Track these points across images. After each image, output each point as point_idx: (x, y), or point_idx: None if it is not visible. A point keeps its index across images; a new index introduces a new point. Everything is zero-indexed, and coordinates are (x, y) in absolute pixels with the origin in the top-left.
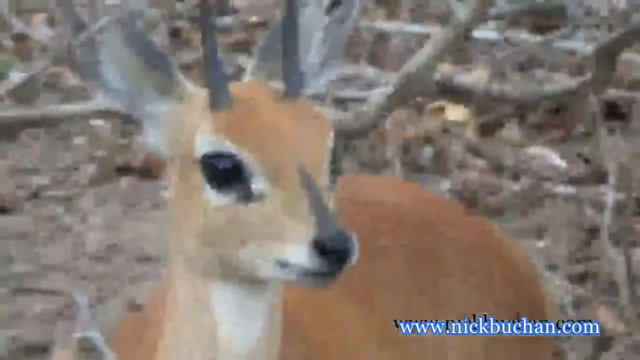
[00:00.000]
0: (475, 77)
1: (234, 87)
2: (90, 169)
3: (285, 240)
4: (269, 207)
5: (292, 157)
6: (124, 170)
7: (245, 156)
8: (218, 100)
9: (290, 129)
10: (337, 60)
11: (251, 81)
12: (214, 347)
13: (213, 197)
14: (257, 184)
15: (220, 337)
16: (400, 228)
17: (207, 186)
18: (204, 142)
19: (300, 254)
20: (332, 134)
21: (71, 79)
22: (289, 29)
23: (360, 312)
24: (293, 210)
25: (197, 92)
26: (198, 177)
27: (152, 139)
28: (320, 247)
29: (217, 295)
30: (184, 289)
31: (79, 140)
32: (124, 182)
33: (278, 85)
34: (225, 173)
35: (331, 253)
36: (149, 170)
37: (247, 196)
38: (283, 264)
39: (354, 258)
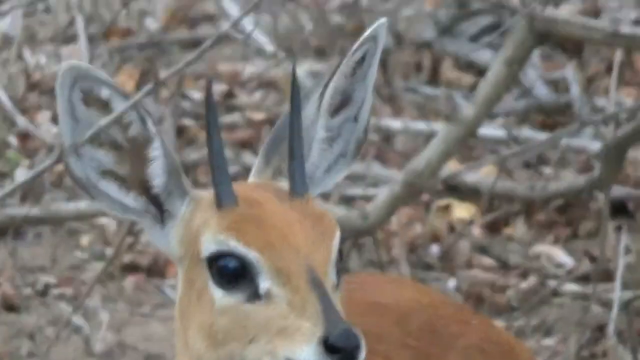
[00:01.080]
0: (482, 174)
1: (239, 187)
2: (97, 267)
3: (293, 338)
4: (277, 306)
5: (299, 257)
6: (130, 268)
7: (252, 256)
8: (224, 199)
9: (296, 229)
10: (348, 160)
11: (256, 181)
12: None
13: (220, 297)
14: (264, 284)
15: None
16: (406, 331)
17: (214, 285)
18: (210, 242)
19: (308, 352)
20: (338, 234)
21: None
22: (294, 128)
23: None
24: (301, 310)
25: (202, 194)
26: (204, 276)
27: (158, 240)
28: (329, 346)
29: None
30: None
31: (85, 238)
32: (131, 280)
33: (284, 184)
34: (231, 272)
35: (339, 351)
36: (156, 269)
37: (254, 295)
38: None
39: (362, 356)
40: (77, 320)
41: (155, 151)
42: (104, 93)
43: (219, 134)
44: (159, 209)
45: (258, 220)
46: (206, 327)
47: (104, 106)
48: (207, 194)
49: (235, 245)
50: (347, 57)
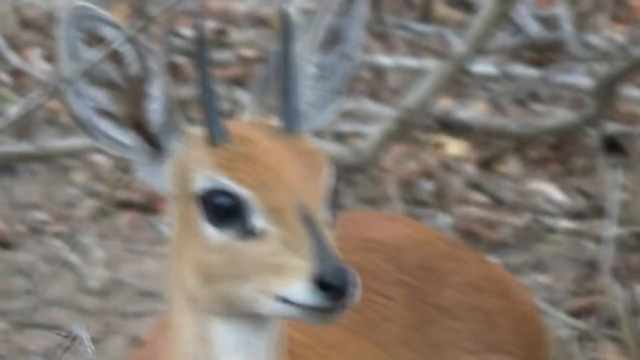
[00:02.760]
0: (474, 111)
1: (232, 125)
2: (91, 204)
3: (285, 276)
4: (269, 244)
5: (291, 194)
6: (125, 205)
7: (245, 193)
8: (216, 136)
9: (288, 166)
10: (340, 97)
11: (249, 118)
12: None
13: (212, 234)
14: (257, 221)
15: None
16: (401, 268)
17: (206, 223)
18: (203, 179)
19: (300, 290)
20: (331, 171)
21: None
22: (286, 65)
23: (361, 351)
24: (293, 247)
25: (195, 132)
26: (197, 214)
27: (153, 178)
28: (321, 283)
29: (219, 331)
30: (186, 326)
31: (79, 176)
32: (125, 217)
33: (276, 122)
34: (224, 210)
35: (332, 288)
36: (150, 206)
37: (247, 233)
38: (284, 300)
39: (356, 293)
40: (71, 257)
41: (155, 90)
42: (107, 33)
43: (210, 72)
44: (155, 147)
45: (250, 157)
46: (200, 264)
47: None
48: (200, 132)
49: (227, 183)
50: None
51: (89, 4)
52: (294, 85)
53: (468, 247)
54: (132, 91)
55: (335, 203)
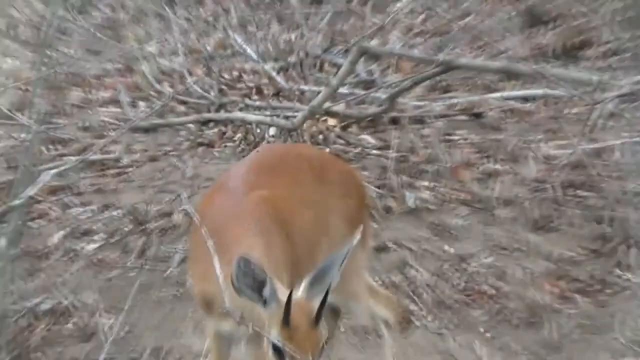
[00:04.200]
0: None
1: (294, 308)
2: None
3: None
4: None
5: (306, 355)
6: None
7: (286, 349)
8: (285, 322)
9: (310, 341)
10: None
11: (302, 303)
12: None
13: (271, 355)
14: None
15: None
16: (310, 164)
17: (271, 352)
18: (275, 336)
19: None
20: (325, 336)
21: None
22: (327, 290)
23: (295, 195)
24: None
25: (277, 310)
26: (268, 346)
27: (258, 314)
28: None
29: None
30: None
31: None
32: None
33: (312, 307)
34: (278, 350)
35: None
36: None
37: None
38: None
39: None
40: None
41: (266, 290)
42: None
43: (289, 295)
44: (264, 302)
45: (293, 338)
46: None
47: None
48: (279, 312)
49: (282, 343)
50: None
51: (250, 260)
52: (329, 289)
53: (337, 156)
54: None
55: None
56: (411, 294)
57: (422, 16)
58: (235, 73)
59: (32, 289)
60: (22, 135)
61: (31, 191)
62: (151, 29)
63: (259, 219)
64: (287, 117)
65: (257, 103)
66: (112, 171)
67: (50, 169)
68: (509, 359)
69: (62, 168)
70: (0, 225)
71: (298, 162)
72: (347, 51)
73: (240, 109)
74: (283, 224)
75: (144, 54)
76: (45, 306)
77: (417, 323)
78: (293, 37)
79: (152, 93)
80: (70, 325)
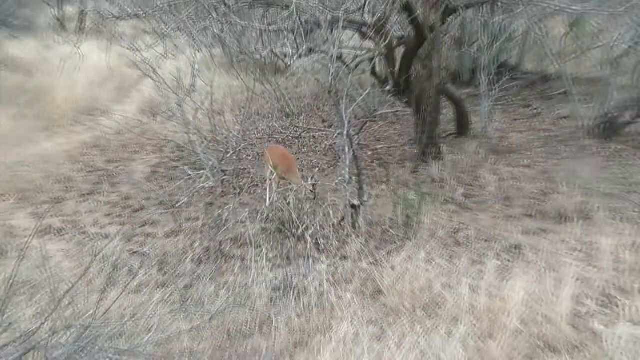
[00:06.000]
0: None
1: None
2: None
3: None
4: None
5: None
6: None
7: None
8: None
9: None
10: None
11: (278, 171)
12: None
13: (270, 173)
14: None
15: None
16: (278, 155)
17: (269, 172)
18: (270, 172)
19: None
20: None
21: None
22: None
23: (280, 156)
24: None
25: None
26: None
27: None
28: None
29: None
30: None
31: None
32: None
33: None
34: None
35: None
36: None
37: None
38: None
39: None
40: None
41: None
42: None
43: None
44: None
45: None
46: None
47: None
48: None
49: (270, 174)
50: None
51: (270, 157)
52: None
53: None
54: None
55: None
56: None
57: None
58: None
59: None
60: None
61: None
62: None
63: (271, 158)
64: None
65: None
66: None
67: None
68: None
69: None
70: None
71: (281, 150)
72: None
73: None
74: (277, 159)
75: None
76: None
77: None
78: None
79: None
80: None
